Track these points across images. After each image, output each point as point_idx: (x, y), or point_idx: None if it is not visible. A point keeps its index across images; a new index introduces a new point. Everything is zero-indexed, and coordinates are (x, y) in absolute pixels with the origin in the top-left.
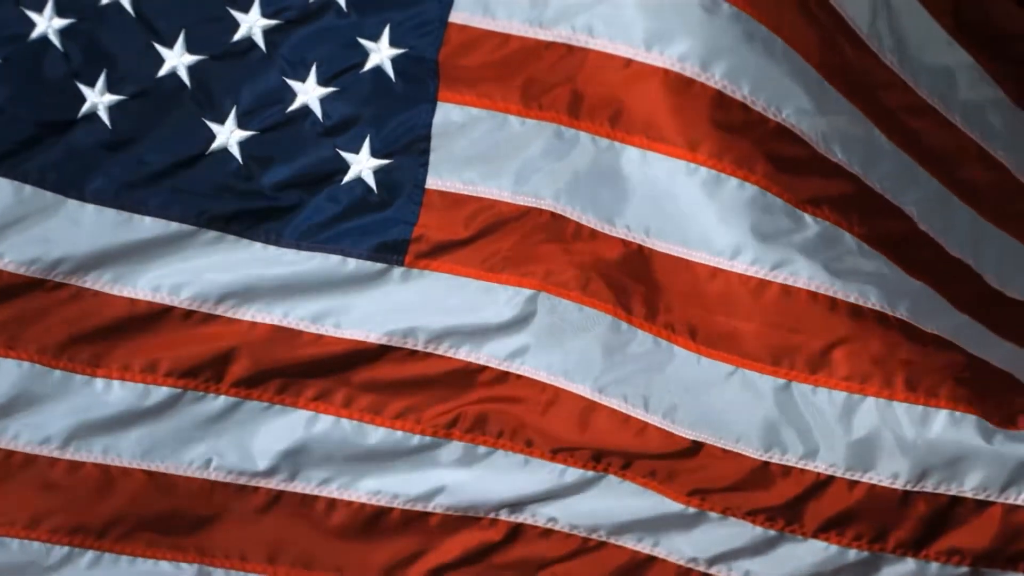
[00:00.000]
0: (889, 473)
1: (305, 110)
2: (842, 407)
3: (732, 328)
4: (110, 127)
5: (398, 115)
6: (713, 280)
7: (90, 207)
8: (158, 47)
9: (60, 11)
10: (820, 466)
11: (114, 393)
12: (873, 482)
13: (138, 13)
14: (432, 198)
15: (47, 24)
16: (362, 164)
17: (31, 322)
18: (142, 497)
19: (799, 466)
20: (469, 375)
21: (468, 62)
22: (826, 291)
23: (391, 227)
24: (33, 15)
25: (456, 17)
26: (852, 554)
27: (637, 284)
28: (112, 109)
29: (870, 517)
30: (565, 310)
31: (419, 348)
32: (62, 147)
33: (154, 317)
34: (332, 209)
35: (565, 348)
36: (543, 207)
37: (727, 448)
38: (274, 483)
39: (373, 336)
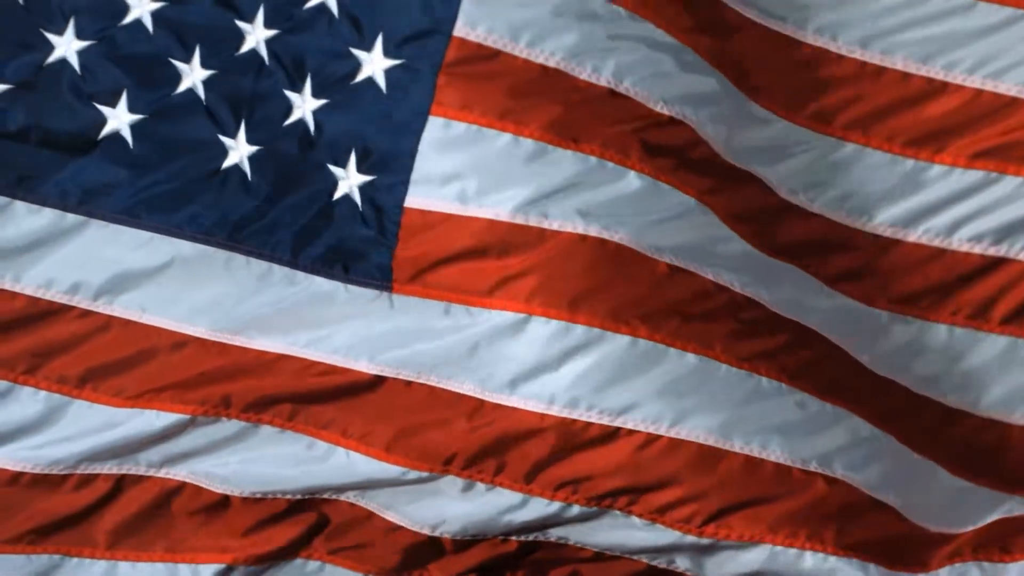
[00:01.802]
0: None
1: (301, 123)
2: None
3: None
4: (132, 147)
5: (386, 129)
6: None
7: (112, 227)
8: (176, 63)
9: (80, 33)
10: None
11: (128, 419)
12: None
13: (157, 30)
14: (413, 218)
15: (67, 46)
16: (350, 181)
17: (56, 351)
18: (160, 504)
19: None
20: (464, 406)
21: (468, 78)
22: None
23: (376, 249)
24: (53, 37)
25: (461, 31)
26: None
27: (638, 297)
28: (134, 128)
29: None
30: (556, 332)
31: (412, 379)
32: (84, 168)
33: (177, 347)
34: (324, 227)
35: (561, 373)
36: (530, 223)
37: (752, 455)
38: (290, 495)
39: (363, 365)
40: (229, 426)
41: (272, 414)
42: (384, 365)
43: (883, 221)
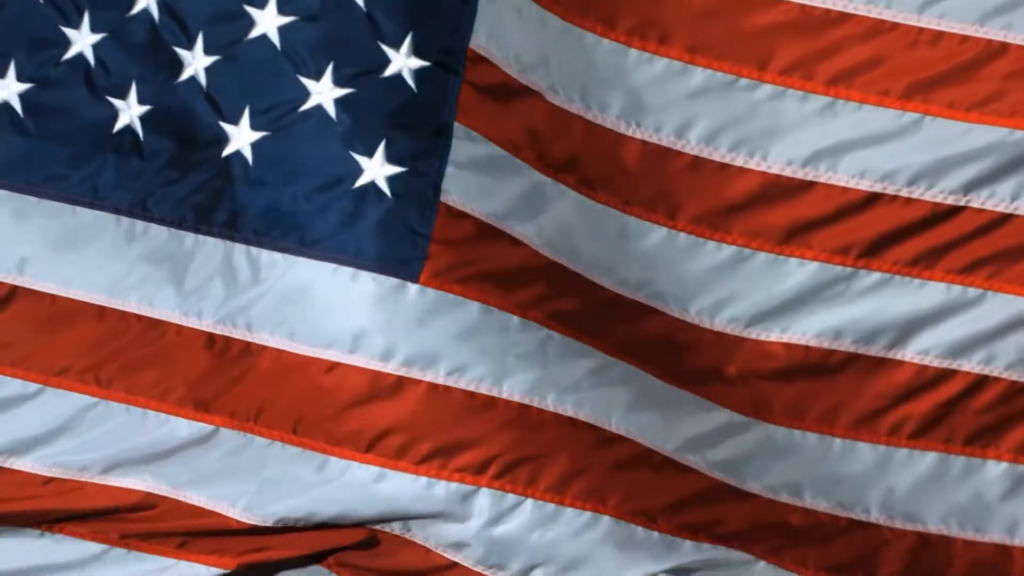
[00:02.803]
0: None
1: (319, 110)
2: None
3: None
4: (142, 139)
5: (417, 126)
6: None
7: (126, 222)
8: (178, 51)
9: (94, 26)
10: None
11: (155, 426)
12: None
13: (163, 19)
14: (448, 213)
15: (82, 41)
16: (376, 170)
17: (87, 351)
18: (180, 518)
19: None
20: (494, 410)
21: (484, 92)
22: None
23: (405, 239)
24: (70, 32)
25: (474, 42)
26: None
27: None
28: (143, 120)
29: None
30: (570, 348)
31: (439, 381)
32: (102, 164)
33: (187, 342)
34: (344, 215)
35: (583, 386)
36: (544, 253)
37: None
38: (300, 525)
39: (391, 367)
40: (249, 440)
41: (283, 428)
42: (409, 365)
43: (943, 189)
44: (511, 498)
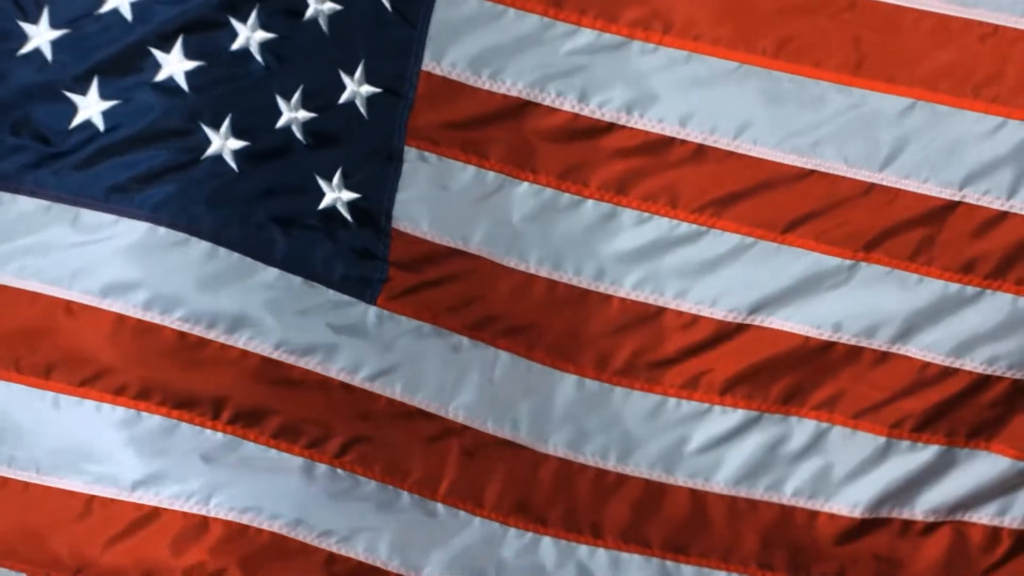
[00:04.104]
0: None
1: (288, 131)
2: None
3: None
4: (103, 132)
5: (368, 153)
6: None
7: (71, 211)
8: (154, 51)
9: (53, 22)
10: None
11: (105, 417)
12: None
13: (136, 18)
14: (400, 238)
15: (40, 37)
16: (336, 194)
17: (30, 340)
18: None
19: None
20: (443, 430)
21: (437, 111)
22: None
23: (364, 262)
24: (28, 27)
25: (428, 65)
26: None
27: (615, 339)
28: (106, 116)
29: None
30: (517, 367)
31: (396, 397)
32: (58, 158)
33: (142, 334)
34: (309, 235)
35: (520, 409)
36: (507, 264)
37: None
38: (276, 527)
39: (357, 379)
40: (217, 438)
41: (259, 429)
42: (371, 379)
43: (939, 181)
44: (463, 515)
